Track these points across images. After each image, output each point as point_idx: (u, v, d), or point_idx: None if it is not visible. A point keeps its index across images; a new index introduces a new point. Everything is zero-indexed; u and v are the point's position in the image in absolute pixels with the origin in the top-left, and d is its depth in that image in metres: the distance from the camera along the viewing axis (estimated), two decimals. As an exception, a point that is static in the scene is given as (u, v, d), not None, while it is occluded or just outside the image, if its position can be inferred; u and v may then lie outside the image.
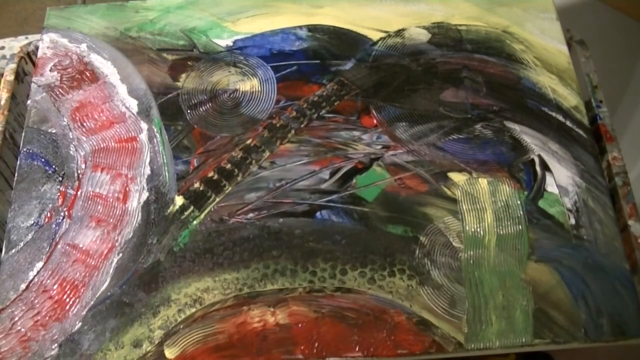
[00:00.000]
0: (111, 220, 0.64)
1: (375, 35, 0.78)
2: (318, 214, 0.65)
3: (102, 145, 0.70)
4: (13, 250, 0.63)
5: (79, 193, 0.67)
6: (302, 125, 0.71)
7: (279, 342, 0.58)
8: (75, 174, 0.68)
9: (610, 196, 0.66)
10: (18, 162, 0.69)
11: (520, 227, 0.64)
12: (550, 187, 0.66)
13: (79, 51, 0.77)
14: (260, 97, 0.73)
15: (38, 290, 0.61)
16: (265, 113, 0.72)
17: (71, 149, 0.70)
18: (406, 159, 0.69)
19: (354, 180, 0.67)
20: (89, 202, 0.66)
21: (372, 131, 0.71)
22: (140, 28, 0.79)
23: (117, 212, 0.65)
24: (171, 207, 0.65)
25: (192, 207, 0.65)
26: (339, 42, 0.78)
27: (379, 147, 0.69)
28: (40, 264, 0.62)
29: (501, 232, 0.64)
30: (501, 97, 0.73)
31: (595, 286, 0.61)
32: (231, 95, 0.74)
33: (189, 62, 0.76)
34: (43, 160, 0.69)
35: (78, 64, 0.76)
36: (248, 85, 0.74)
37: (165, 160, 0.68)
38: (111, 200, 0.66)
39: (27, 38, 0.88)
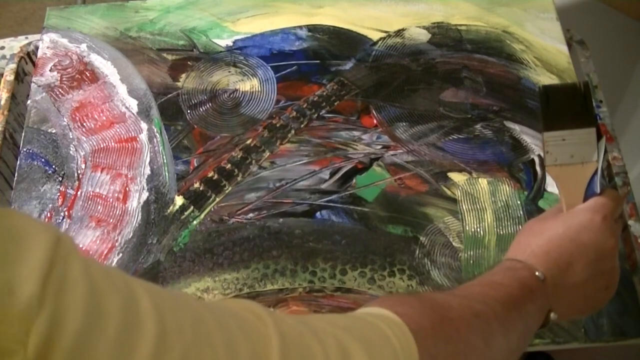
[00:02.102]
0: (111, 220, 0.64)
1: (375, 35, 0.78)
2: (318, 214, 0.65)
3: (102, 145, 0.70)
4: (13, 250, 0.63)
5: (79, 193, 0.66)
6: (302, 125, 0.71)
7: (279, 342, 0.58)
8: (75, 174, 0.68)
9: (610, 196, 0.66)
10: (18, 162, 0.69)
11: (520, 227, 0.64)
12: (550, 187, 0.66)
13: (79, 51, 0.77)
14: (260, 97, 0.73)
15: (38, 290, 0.61)
16: (265, 113, 0.72)
17: (71, 149, 0.70)
18: (406, 159, 0.69)
19: (354, 180, 0.67)
20: (89, 202, 0.66)
21: (372, 131, 0.71)
22: (140, 28, 0.79)
23: (117, 212, 0.65)
24: (171, 207, 0.65)
25: (192, 207, 0.65)
26: (339, 42, 0.78)
27: (379, 147, 0.69)
28: (40, 264, 0.62)
29: (501, 232, 0.64)
30: (501, 97, 0.73)
31: (595, 286, 0.61)
32: (231, 95, 0.74)
33: (189, 62, 0.76)
34: (43, 160, 0.69)
35: (78, 64, 0.76)
36: (248, 85, 0.74)
37: (165, 160, 0.68)
38: (111, 200, 0.66)
39: (27, 38, 0.88)
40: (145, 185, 0.66)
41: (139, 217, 0.65)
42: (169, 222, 0.64)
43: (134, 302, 0.26)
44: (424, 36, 0.78)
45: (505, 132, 0.71)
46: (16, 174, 0.68)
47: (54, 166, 0.68)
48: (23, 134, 0.71)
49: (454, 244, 0.63)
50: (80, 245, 0.63)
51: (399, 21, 0.79)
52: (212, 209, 0.65)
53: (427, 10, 0.80)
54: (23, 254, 0.23)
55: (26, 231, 0.24)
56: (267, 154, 0.69)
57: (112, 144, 0.70)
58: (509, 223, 0.64)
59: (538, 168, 0.68)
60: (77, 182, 0.67)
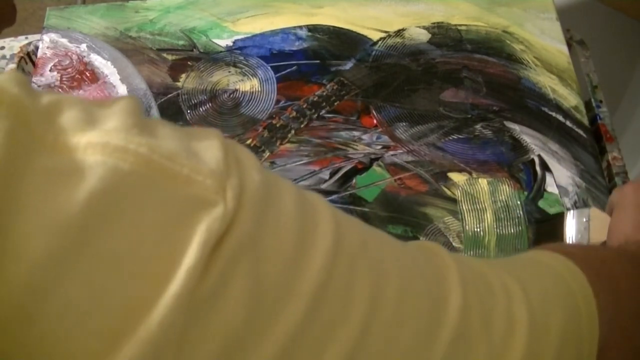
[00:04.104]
0: (111, 220, 0.64)
1: (375, 35, 0.78)
2: (318, 214, 0.65)
3: (102, 145, 0.69)
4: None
5: (79, 193, 0.66)
6: (302, 125, 0.71)
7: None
8: (75, 174, 0.68)
9: (610, 196, 0.66)
10: (18, 162, 0.69)
11: (520, 227, 0.64)
12: (550, 187, 0.66)
13: (79, 51, 0.77)
14: (260, 97, 0.73)
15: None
16: (265, 113, 0.72)
17: (71, 149, 0.69)
18: (406, 159, 0.69)
19: (354, 180, 0.67)
20: (89, 202, 0.66)
21: (372, 131, 0.71)
22: (140, 28, 0.79)
23: (117, 212, 0.65)
24: (171, 207, 0.65)
25: (192, 207, 0.65)
26: (339, 42, 0.78)
27: (379, 147, 0.69)
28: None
29: (501, 232, 0.64)
30: (501, 97, 0.73)
31: (595, 286, 0.61)
32: (231, 95, 0.74)
33: (189, 62, 0.76)
34: (43, 160, 0.69)
35: (78, 64, 0.76)
36: (248, 85, 0.74)
37: (165, 160, 0.68)
38: (111, 200, 0.66)
39: (27, 38, 0.88)
40: (145, 185, 0.66)
41: (139, 217, 0.64)
42: (169, 222, 0.64)
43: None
44: (424, 36, 0.78)
45: (505, 132, 0.71)
46: (16, 174, 0.68)
47: (54, 166, 0.68)
48: (23, 134, 0.71)
49: (454, 244, 0.63)
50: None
51: (399, 21, 0.79)
52: (212, 209, 0.65)
53: (427, 10, 0.80)
54: (200, 136, 0.27)
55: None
56: (267, 154, 0.69)
57: (112, 144, 0.69)
58: (509, 223, 0.64)
59: (538, 168, 0.68)
60: (77, 182, 0.67)
